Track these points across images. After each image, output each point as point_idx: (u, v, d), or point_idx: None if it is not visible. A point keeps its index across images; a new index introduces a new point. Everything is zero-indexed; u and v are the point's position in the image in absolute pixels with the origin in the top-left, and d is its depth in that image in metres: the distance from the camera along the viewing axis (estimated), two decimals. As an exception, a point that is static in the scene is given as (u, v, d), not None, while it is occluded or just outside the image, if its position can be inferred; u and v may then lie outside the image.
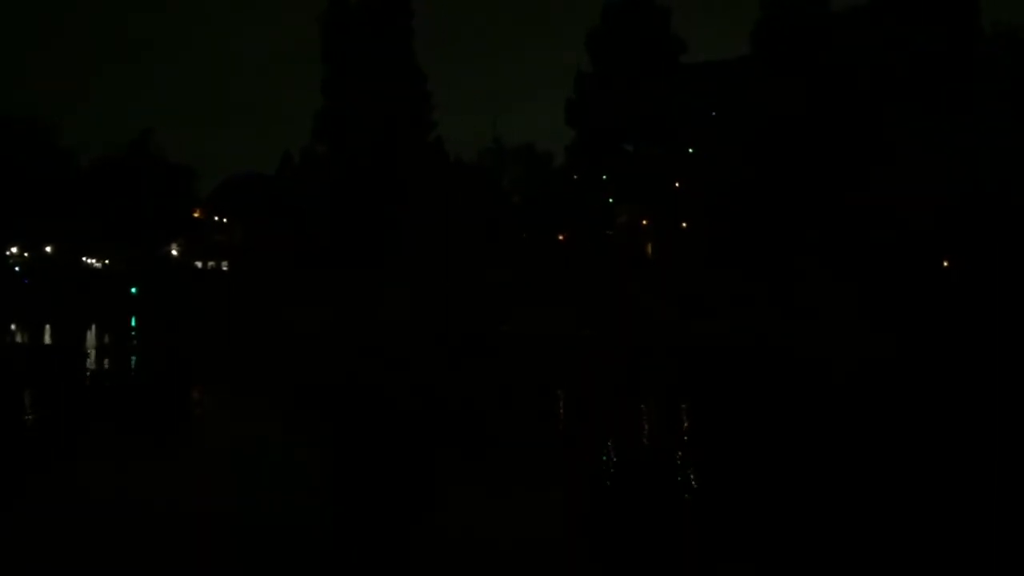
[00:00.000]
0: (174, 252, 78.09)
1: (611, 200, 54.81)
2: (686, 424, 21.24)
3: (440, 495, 14.10)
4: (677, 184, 53.20)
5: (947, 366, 32.21)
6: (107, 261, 76.54)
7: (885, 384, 28.70)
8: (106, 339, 46.06)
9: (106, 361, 35.49)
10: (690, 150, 52.56)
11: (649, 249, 55.70)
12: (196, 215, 78.89)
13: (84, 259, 76.08)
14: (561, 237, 58.14)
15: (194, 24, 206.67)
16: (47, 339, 45.22)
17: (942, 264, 43.32)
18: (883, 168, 42.24)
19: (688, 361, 34.96)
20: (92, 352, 38.60)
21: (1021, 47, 45.82)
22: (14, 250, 74.44)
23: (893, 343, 35.87)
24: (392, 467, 16.12)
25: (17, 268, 72.75)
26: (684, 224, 52.86)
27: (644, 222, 55.78)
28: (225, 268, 75.18)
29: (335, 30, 61.44)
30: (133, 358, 37.52)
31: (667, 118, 52.84)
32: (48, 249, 74.10)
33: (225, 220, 78.59)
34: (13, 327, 49.55)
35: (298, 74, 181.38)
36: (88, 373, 30.80)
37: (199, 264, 77.25)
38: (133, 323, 55.97)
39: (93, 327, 50.70)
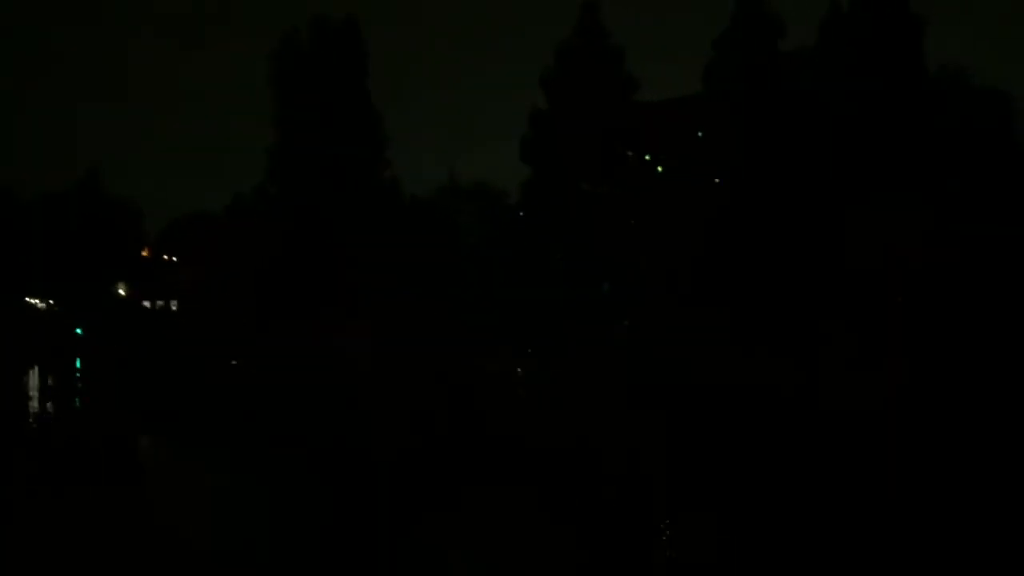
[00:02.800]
0: (122, 292, 76.57)
1: (567, 239, 54.58)
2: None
3: None
4: (633, 222, 53.16)
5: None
6: (51, 301, 74.80)
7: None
8: (49, 381, 44.77)
9: (49, 405, 34.54)
10: (645, 188, 52.59)
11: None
12: (144, 255, 77.59)
13: (27, 299, 74.28)
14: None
15: (131, 57, 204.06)
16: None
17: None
18: (839, 208, 42.46)
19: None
20: (35, 395, 37.53)
21: (966, 87, 46.77)
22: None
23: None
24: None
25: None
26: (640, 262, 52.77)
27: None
28: (175, 308, 73.86)
29: (287, 68, 60.88)
30: (77, 400, 36.57)
31: (622, 156, 52.96)
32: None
33: (175, 259, 77.35)
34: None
35: (246, 110, 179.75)
36: (31, 419, 29.84)
37: (148, 304, 75.81)
38: (78, 364, 54.65)
39: (36, 368, 49.31)
